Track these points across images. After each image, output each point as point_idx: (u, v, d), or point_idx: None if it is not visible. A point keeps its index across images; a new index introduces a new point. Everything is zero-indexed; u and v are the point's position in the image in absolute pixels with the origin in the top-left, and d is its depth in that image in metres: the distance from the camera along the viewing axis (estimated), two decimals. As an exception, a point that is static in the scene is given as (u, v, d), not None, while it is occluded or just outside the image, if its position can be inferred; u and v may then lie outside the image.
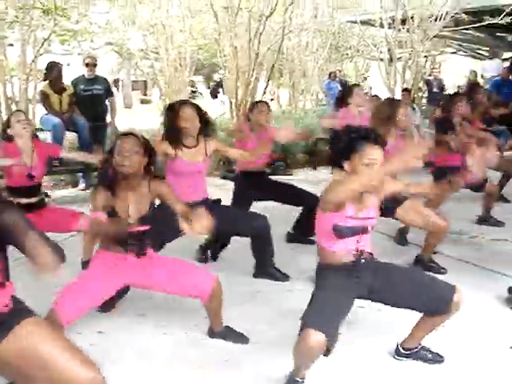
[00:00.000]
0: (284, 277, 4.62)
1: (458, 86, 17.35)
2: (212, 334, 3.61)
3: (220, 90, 13.95)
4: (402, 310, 3.35)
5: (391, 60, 12.94)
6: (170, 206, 3.43)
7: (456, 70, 21.20)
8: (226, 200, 5.15)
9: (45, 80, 7.81)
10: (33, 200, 4.53)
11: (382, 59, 13.67)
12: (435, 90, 13.73)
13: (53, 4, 9.28)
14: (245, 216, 4.59)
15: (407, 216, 4.56)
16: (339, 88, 15.68)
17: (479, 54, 18.54)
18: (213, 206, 4.33)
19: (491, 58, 15.90)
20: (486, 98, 6.95)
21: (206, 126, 4.28)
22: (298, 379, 3.00)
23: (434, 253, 4.84)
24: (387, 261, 3.25)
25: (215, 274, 3.44)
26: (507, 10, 11.35)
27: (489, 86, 12.16)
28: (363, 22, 14.30)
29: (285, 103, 17.92)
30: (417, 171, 4.69)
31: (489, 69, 14.64)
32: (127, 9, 13.33)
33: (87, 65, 7.98)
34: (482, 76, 15.12)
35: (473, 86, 7.34)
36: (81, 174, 8.25)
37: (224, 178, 8.67)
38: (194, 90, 20.63)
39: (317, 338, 2.66)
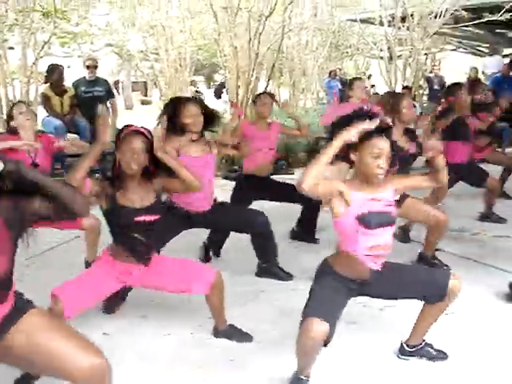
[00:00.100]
0: (287, 276, 4.61)
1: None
2: (216, 332, 3.61)
3: (224, 90, 13.97)
4: (404, 308, 3.37)
5: (391, 58, 12.95)
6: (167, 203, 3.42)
7: (456, 67, 21.16)
8: (227, 200, 5.16)
9: (46, 82, 7.83)
10: None
11: (382, 57, 13.69)
12: (436, 87, 13.72)
13: (53, 7, 9.31)
14: (244, 213, 4.58)
15: (408, 212, 4.58)
16: (339, 86, 15.71)
17: (479, 50, 18.51)
18: (216, 205, 4.35)
19: (491, 55, 15.88)
20: (487, 96, 6.95)
21: (211, 120, 4.27)
22: (302, 377, 3.00)
23: (437, 250, 4.85)
24: (390, 259, 3.26)
25: (215, 269, 3.44)
26: (507, 7, 11.36)
27: (489, 83, 12.15)
28: (363, 21, 14.32)
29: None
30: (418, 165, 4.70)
31: (489, 65, 14.62)
32: (127, 10, 13.38)
33: (88, 67, 8.00)
34: (483, 72, 15.10)
35: (473, 83, 7.35)
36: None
37: (226, 178, 8.67)
38: (197, 90, 20.62)
39: (319, 327, 2.67)
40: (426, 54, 14.73)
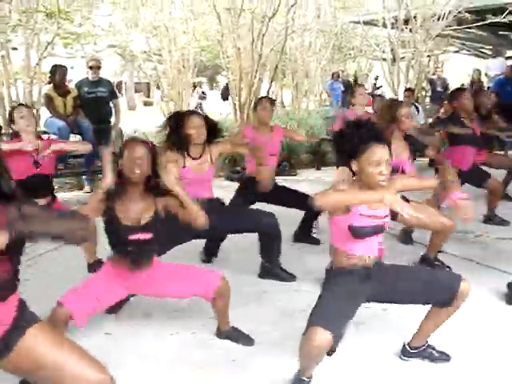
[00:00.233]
0: (290, 277, 4.62)
1: (462, 85, 17.33)
2: (219, 333, 3.62)
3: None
4: (407, 310, 3.37)
5: (394, 60, 12.94)
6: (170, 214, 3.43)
7: (459, 69, 21.16)
8: (229, 200, 5.17)
9: (50, 83, 7.84)
10: (42, 200, 4.51)
11: (384, 59, 13.67)
12: (439, 89, 13.71)
13: (56, 7, 9.31)
14: (254, 213, 4.59)
15: (413, 219, 4.55)
16: (342, 88, 15.72)
17: (482, 52, 18.50)
18: (220, 205, 4.36)
19: (494, 57, 15.87)
20: (490, 101, 6.94)
21: (214, 133, 4.35)
22: (304, 378, 3.00)
23: (439, 252, 4.85)
24: (392, 260, 3.26)
25: (220, 273, 3.44)
26: (510, 9, 11.34)
27: (492, 85, 12.15)
28: (366, 22, 14.31)
29: (288, 104, 17.93)
30: (420, 169, 4.68)
31: (492, 67, 14.61)
32: (130, 11, 13.38)
33: (91, 67, 8.00)
34: (486, 74, 15.09)
35: (477, 90, 7.35)
36: (85, 177, 8.27)
37: (228, 178, 8.68)
38: (203, 91, 20.66)
39: (323, 336, 2.67)
40: (428, 55, 14.71)
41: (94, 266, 4.44)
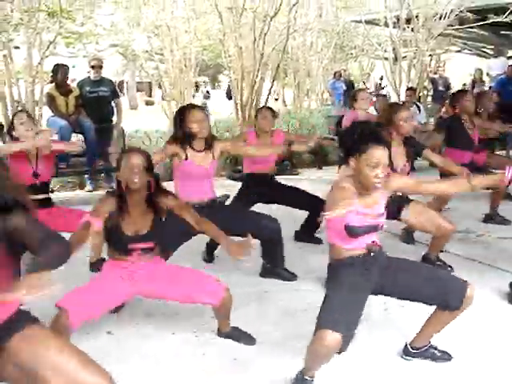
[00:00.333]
0: (292, 276, 4.62)
1: (464, 84, 17.33)
2: (220, 334, 3.63)
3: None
4: (408, 310, 3.37)
5: (396, 59, 12.92)
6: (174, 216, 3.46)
7: (461, 69, 21.16)
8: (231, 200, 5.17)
9: (52, 82, 7.84)
10: (39, 197, 4.54)
11: (386, 58, 13.66)
12: (440, 88, 13.72)
13: (58, 7, 9.30)
14: (256, 218, 4.51)
15: (414, 220, 4.56)
16: (344, 88, 15.72)
17: (484, 52, 18.48)
18: (222, 206, 4.36)
19: (496, 56, 15.86)
20: (492, 102, 6.93)
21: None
22: (307, 378, 3.00)
23: (441, 251, 4.84)
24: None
25: (225, 284, 3.39)
26: (511, 8, 11.33)
27: (494, 84, 12.15)
28: (368, 22, 14.30)
29: (290, 103, 17.94)
30: (424, 170, 4.69)
31: (494, 67, 14.60)
32: (132, 10, 13.38)
33: (93, 67, 8.00)
34: (488, 74, 15.09)
35: (480, 93, 7.34)
36: (87, 176, 8.28)
37: (230, 178, 8.69)
38: (208, 91, 20.65)
39: (332, 337, 2.68)
40: (430, 55, 14.70)
41: (97, 264, 4.44)
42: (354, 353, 3.38)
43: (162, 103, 12.70)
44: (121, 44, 17.30)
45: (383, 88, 20.36)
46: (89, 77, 8.12)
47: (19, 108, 8.48)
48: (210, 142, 4.33)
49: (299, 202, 5.24)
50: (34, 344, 2.27)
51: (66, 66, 7.88)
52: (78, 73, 12.54)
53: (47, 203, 4.69)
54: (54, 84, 7.71)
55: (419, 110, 9.96)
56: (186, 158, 4.23)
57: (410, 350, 3.31)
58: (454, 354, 3.33)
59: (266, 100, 10.87)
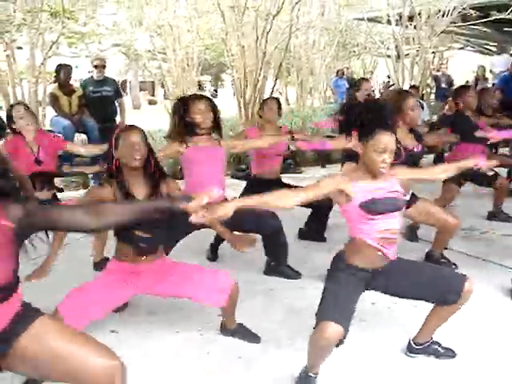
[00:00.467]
0: (296, 274, 4.62)
1: (467, 82, 17.30)
2: (225, 331, 3.62)
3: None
4: (412, 307, 3.38)
5: (399, 57, 12.93)
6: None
7: (464, 66, 21.12)
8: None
9: (55, 82, 7.86)
10: (44, 194, 4.54)
11: (389, 56, 13.66)
12: (443, 85, 13.68)
13: (60, 7, 9.33)
14: (256, 215, 4.51)
15: (419, 216, 4.56)
16: (347, 86, 15.71)
17: (487, 49, 18.46)
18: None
19: (499, 53, 15.82)
20: (495, 99, 6.91)
21: (218, 125, 4.28)
22: (311, 375, 3.01)
23: (445, 248, 4.85)
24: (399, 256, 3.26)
25: (233, 279, 3.37)
26: (514, 5, 11.34)
27: (497, 81, 12.11)
28: (370, 19, 14.31)
29: (293, 101, 17.93)
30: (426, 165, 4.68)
31: (497, 64, 14.56)
32: (134, 10, 13.39)
33: (96, 66, 8.01)
34: (491, 71, 15.05)
35: (482, 90, 7.32)
36: (91, 176, 8.29)
37: (233, 177, 8.69)
38: (215, 89, 20.57)
39: (334, 329, 2.69)
40: (433, 52, 14.71)
41: (101, 264, 4.46)
42: (358, 350, 3.39)
43: (164, 102, 12.72)
44: (123, 44, 17.30)
45: (390, 87, 20.32)
46: (92, 76, 8.13)
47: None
48: (214, 135, 4.26)
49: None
50: (42, 339, 2.29)
51: (68, 65, 7.90)
52: (81, 73, 12.56)
53: (50, 192, 4.69)
54: (57, 84, 7.74)
55: (422, 108, 9.94)
56: (187, 147, 4.13)
57: (414, 346, 3.31)
58: (458, 350, 3.34)
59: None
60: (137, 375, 3.18)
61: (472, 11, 12.17)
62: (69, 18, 9.98)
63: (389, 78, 21.36)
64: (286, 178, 5.67)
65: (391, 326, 3.71)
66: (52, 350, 2.27)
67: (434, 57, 15.74)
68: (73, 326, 2.87)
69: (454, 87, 12.15)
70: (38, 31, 8.93)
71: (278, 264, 4.62)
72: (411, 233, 5.52)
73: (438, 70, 14.90)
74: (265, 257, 4.62)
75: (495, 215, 6.22)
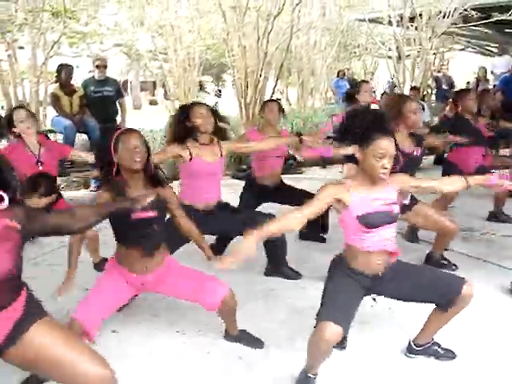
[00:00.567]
0: (296, 275, 4.63)
1: (468, 83, 17.30)
2: (228, 337, 3.60)
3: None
4: (412, 308, 3.37)
5: (400, 58, 12.92)
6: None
7: (465, 67, 21.12)
8: (236, 199, 5.16)
9: (56, 82, 7.86)
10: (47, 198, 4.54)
11: (390, 57, 13.66)
12: (444, 86, 13.69)
13: (62, 6, 9.34)
14: (253, 217, 4.50)
15: (417, 220, 4.56)
16: (348, 86, 15.70)
17: (488, 50, 18.43)
18: (223, 207, 4.33)
19: (500, 55, 15.81)
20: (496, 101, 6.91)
21: (220, 129, 4.29)
22: (310, 376, 3.02)
23: (445, 249, 4.85)
24: (399, 258, 3.26)
25: (228, 287, 3.36)
26: (515, 7, 11.33)
27: (498, 83, 12.12)
28: (371, 20, 14.29)
29: (294, 102, 17.92)
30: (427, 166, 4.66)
31: (498, 65, 14.55)
32: (136, 10, 13.40)
33: (97, 66, 8.00)
34: (492, 72, 15.05)
35: (483, 92, 7.32)
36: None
37: (234, 177, 8.69)
38: (219, 89, 20.50)
39: (334, 330, 2.70)
40: (434, 53, 14.69)
41: (101, 264, 4.47)
42: (358, 351, 3.39)
43: (165, 103, 12.72)
44: (125, 44, 17.33)
45: (395, 87, 20.28)
46: (93, 76, 8.12)
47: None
48: (214, 140, 4.27)
49: (303, 202, 5.22)
50: (37, 344, 2.33)
51: (70, 65, 7.89)
52: (82, 73, 12.56)
53: (52, 194, 4.69)
54: (58, 84, 7.73)
55: (423, 109, 9.94)
56: (191, 159, 4.14)
57: (414, 347, 3.32)
58: (458, 351, 3.34)
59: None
60: (137, 375, 3.19)
61: (473, 12, 12.15)
62: (70, 18, 10.01)
63: (392, 78, 21.38)
64: (286, 178, 5.67)
65: (391, 326, 3.72)
66: (48, 356, 2.32)
67: (434, 58, 15.73)
68: (91, 328, 3.04)
69: (455, 89, 12.17)
70: (40, 31, 8.94)
71: (278, 264, 4.63)
72: (412, 234, 5.52)
73: (439, 71, 14.91)
74: (265, 257, 4.62)
75: (496, 216, 6.23)
